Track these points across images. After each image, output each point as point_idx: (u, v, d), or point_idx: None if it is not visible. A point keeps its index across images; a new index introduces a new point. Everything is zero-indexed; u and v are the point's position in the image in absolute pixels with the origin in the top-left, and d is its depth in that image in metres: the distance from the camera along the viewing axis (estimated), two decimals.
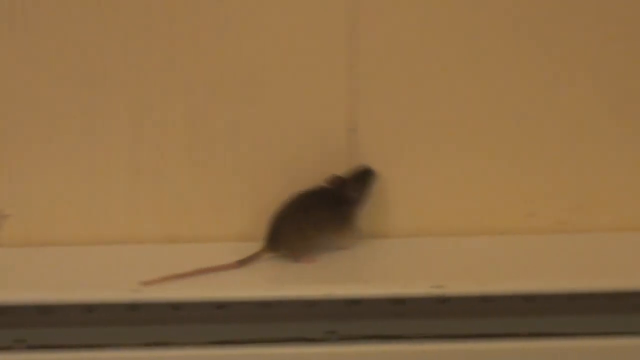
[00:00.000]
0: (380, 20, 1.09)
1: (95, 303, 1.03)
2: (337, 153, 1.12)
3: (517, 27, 1.10)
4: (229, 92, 1.11)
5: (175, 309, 1.04)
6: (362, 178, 1.10)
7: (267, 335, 1.04)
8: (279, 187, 1.11)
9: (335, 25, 1.09)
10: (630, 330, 1.04)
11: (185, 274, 1.04)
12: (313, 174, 1.10)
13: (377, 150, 1.12)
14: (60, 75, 1.10)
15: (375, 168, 1.11)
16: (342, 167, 1.11)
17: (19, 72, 1.10)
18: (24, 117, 1.11)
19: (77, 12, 1.08)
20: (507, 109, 1.12)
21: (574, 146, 1.13)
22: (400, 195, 1.13)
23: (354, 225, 1.10)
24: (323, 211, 1.08)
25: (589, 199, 1.14)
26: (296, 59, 1.10)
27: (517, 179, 1.14)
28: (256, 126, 1.12)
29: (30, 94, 1.10)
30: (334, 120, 1.12)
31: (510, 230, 1.14)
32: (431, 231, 1.14)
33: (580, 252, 1.10)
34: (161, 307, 1.03)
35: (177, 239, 1.14)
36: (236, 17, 1.09)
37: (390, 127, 1.12)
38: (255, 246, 1.08)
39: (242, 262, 1.06)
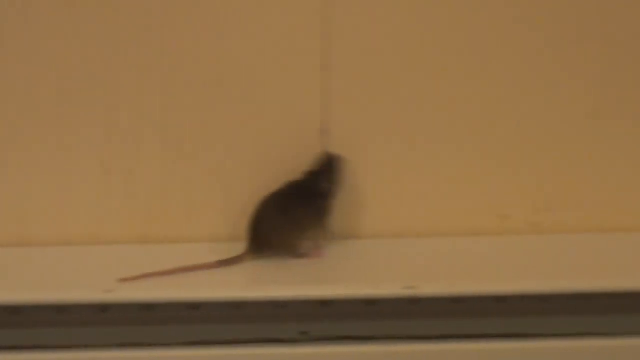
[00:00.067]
0: (354, 22, 1.10)
1: (67, 304, 1.02)
2: (310, 153, 1.12)
3: (492, 30, 1.11)
4: (202, 92, 1.11)
5: (148, 310, 1.04)
6: (331, 167, 1.10)
7: (241, 336, 1.04)
8: (252, 187, 1.11)
9: (308, 27, 1.10)
10: (600, 331, 1.05)
11: (165, 272, 1.04)
12: (286, 174, 1.10)
13: (349, 152, 1.12)
14: (30, 76, 1.10)
15: (347, 169, 1.12)
16: None
17: None
18: None
19: (51, 13, 1.08)
20: (480, 113, 1.13)
21: (544, 149, 1.14)
22: (372, 197, 1.14)
23: (331, 214, 1.10)
24: (301, 208, 1.08)
25: (559, 201, 1.15)
26: (269, 60, 1.10)
27: (489, 181, 1.14)
28: (229, 126, 1.12)
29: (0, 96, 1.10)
30: (307, 121, 1.12)
31: (482, 232, 1.14)
32: (403, 232, 1.14)
33: (552, 253, 1.11)
34: (134, 307, 1.03)
35: (150, 239, 1.13)
36: (209, 19, 1.09)
37: (362, 129, 1.12)
38: (228, 246, 1.08)
39: (222, 263, 1.07)
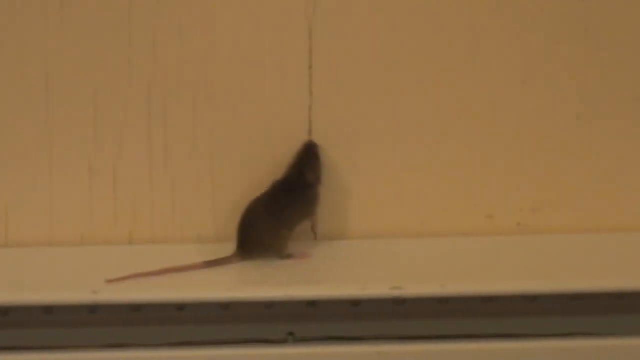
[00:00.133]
0: (340, 20, 1.10)
1: (54, 305, 1.02)
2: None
3: (480, 30, 1.11)
4: (189, 92, 1.10)
5: (135, 311, 1.04)
6: (311, 156, 1.10)
7: (228, 336, 1.04)
8: (240, 188, 1.11)
9: (295, 26, 1.10)
10: (588, 331, 1.05)
11: (153, 273, 1.04)
12: (273, 175, 1.10)
13: (334, 152, 1.12)
14: (17, 75, 1.09)
15: (332, 168, 1.12)
16: None
17: None
18: None
19: (37, 12, 1.08)
20: (468, 113, 1.12)
21: (533, 149, 1.14)
22: (359, 197, 1.13)
23: (319, 202, 1.10)
24: (290, 205, 1.08)
25: (548, 202, 1.15)
26: (256, 60, 1.10)
27: (477, 181, 1.14)
28: (217, 127, 1.11)
29: None
30: (296, 121, 1.12)
31: (470, 232, 1.14)
32: (389, 233, 1.14)
33: (540, 254, 1.10)
34: (121, 308, 1.03)
35: (137, 240, 1.13)
36: (195, 18, 1.09)
37: (348, 129, 1.12)
38: (215, 248, 1.08)
39: (209, 264, 1.06)
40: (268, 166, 1.11)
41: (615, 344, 1.04)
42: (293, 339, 1.04)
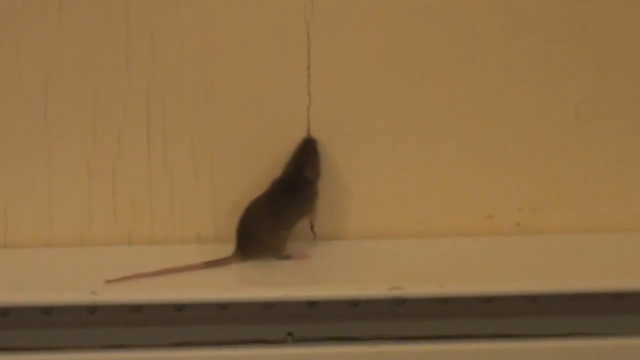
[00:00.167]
0: (334, 23, 1.10)
1: (53, 305, 1.02)
2: None
3: (478, 31, 1.11)
4: (187, 93, 1.10)
5: (135, 311, 1.04)
6: (310, 152, 1.10)
7: (227, 337, 1.04)
8: (238, 188, 1.11)
9: (293, 27, 1.10)
10: (587, 331, 1.05)
11: (152, 273, 1.04)
12: (272, 175, 1.10)
13: (333, 152, 1.12)
14: (16, 75, 1.10)
15: (331, 168, 1.12)
16: None
17: None
18: None
19: (35, 13, 1.08)
20: (466, 113, 1.12)
21: (531, 150, 1.14)
22: (357, 197, 1.14)
23: (318, 199, 1.10)
24: (290, 205, 1.08)
25: (545, 202, 1.15)
26: (254, 60, 1.10)
27: (475, 181, 1.14)
28: (215, 128, 1.11)
29: None
30: (295, 121, 1.12)
31: (468, 232, 1.14)
32: (388, 233, 1.14)
33: (538, 254, 1.10)
34: (121, 309, 1.03)
35: (136, 240, 1.13)
36: (194, 19, 1.09)
37: (346, 129, 1.12)
38: (214, 248, 1.08)
39: (209, 264, 1.06)
40: (267, 166, 1.11)
41: (614, 344, 1.04)
42: (292, 339, 1.04)
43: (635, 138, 1.14)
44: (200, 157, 1.12)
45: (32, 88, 1.10)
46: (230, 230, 1.09)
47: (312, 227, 1.13)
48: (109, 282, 1.02)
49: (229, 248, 1.08)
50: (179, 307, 1.04)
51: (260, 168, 1.12)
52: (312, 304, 1.04)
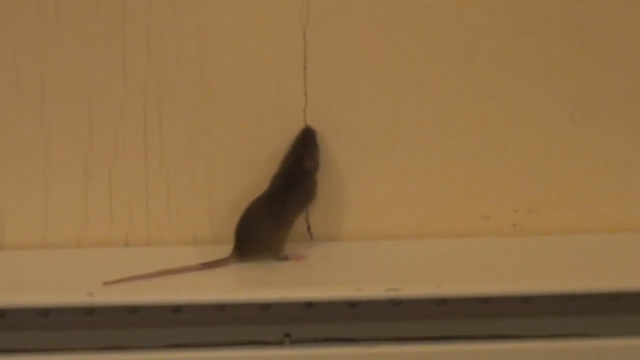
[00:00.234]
0: (330, 24, 1.10)
1: (50, 307, 1.02)
2: None
3: (474, 32, 1.11)
4: (183, 94, 1.10)
5: (132, 313, 1.04)
6: (309, 143, 1.10)
7: (224, 338, 1.04)
8: (234, 189, 1.11)
9: (289, 28, 1.10)
10: (583, 332, 1.06)
11: (149, 275, 1.04)
12: (269, 176, 1.10)
13: (329, 153, 1.12)
14: (12, 77, 1.09)
15: (327, 169, 1.12)
16: None
17: None
18: None
19: (31, 14, 1.08)
20: (462, 114, 1.13)
21: (528, 150, 1.14)
22: (353, 198, 1.14)
23: (317, 190, 1.10)
24: (290, 201, 1.08)
25: (541, 203, 1.15)
26: (251, 61, 1.10)
27: (472, 182, 1.14)
28: (211, 129, 1.11)
29: None
30: (292, 122, 1.12)
31: (465, 233, 1.14)
32: (385, 234, 1.14)
33: (535, 254, 1.10)
34: (118, 310, 1.03)
35: (133, 242, 1.13)
36: (190, 20, 1.09)
37: (342, 130, 1.12)
38: (211, 249, 1.08)
39: (206, 266, 1.06)
40: (263, 167, 1.11)
41: (610, 345, 1.04)
42: (289, 340, 1.04)
43: (631, 139, 1.14)
44: (196, 158, 1.12)
45: (28, 89, 1.10)
46: (226, 231, 1.09)
47: (308, 228, 1.13)
48: (107, 283, 1.02)
49: (226, 249, 1.08)
50: (176, 309, 1.04)
51: (256, 169, 1.12)
52: (309, 305, 1.04)
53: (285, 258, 1.08)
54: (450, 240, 1.13)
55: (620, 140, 1.14)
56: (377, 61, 1.11)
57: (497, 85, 1.12)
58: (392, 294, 1.01)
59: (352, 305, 1.04)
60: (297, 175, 1.09)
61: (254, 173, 1.12)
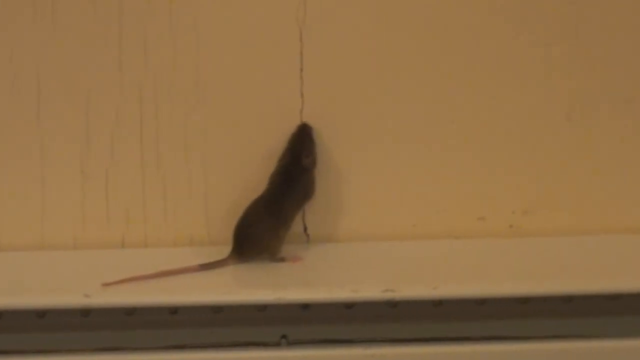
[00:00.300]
0: (327, 25, 1.10)
1: (48, 308, 1.02)
2: None
3: (471, 32, 1.11)
4: (180, 96, 1.10)
5: (129, 314, 1.04)
6: (306, 139, 1.10)
7: (221, 339, 1.04)
8: (231, 191, 1.11)
9: (286, 30, 1.10)
10: (581, 333, 1.06)
11: (147, 276, 1.04)
12: (265, 177, 1.10)
13: (325, 154, 1.12)
14: (8, 79, 1.09)
15: (323, 171, 1.12)
16: None
17: None
18: None
19: (28, 17, 1.08)
20: (459, 115, 1.13)
21: (524, 151, 1.14)
22: (350, 200, 1.14)
23: (315, 184, 1.10)
24: (289, 199, 1.08)
25: (538, 204, 1.15)
26: (247, 63, 1.10)
27: (468, 183, 1.14)
28: (208, 130, 1.11)
29: None
30: (289, 122, 1.12)
31: (461, 234, 1.14)
32: (382, 235, 1.14)
33: (532, 256, 1.11)
34: (116, 312, 1.03)
35: (130, 243, 1.13)
36: (186, 21, 1.09)
37: (338, 132, 1.12)
38: (209, 250, 1.08)
39: (204, 267, 1.06)
40: (259, 169, 1.11)
41: (607, 346, 1.04)
42: (286, 341, 1.04)
43: (627, 139, 1.14)
44: (193, 160, 1.12)
45: (25, 90, 1.10)
46: (223, 232, 1.09)
47: (305, 230, 1.13)
48: (106, 285, 1.02)
49: (223, 250, 1.08)
50: (173, 310, 1.04)
51: (253, 170, 1.12)
52: (305, 307, 1.04)
53: (282, 259, 1.08)
54: (447, 242, 1.13)
55: (616, 140, 1.14)
56: (374, 62, 1.11)
57: (494, 86, 1.13)
58: (389, 295, 1.01)
59: (348, 307, 1.04)
60: (295, 173, 1.09)
61: (250, 174, 1.12)
